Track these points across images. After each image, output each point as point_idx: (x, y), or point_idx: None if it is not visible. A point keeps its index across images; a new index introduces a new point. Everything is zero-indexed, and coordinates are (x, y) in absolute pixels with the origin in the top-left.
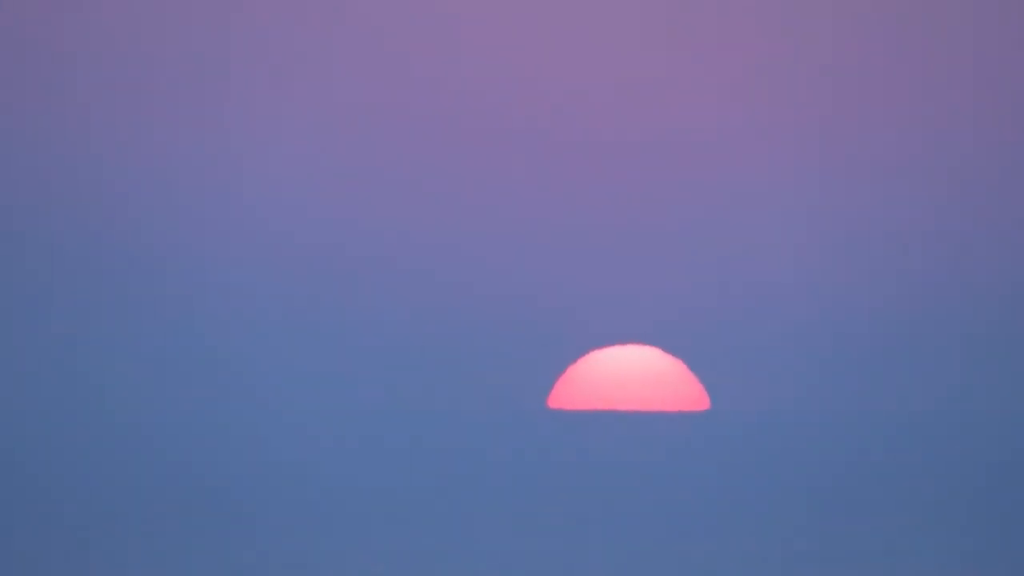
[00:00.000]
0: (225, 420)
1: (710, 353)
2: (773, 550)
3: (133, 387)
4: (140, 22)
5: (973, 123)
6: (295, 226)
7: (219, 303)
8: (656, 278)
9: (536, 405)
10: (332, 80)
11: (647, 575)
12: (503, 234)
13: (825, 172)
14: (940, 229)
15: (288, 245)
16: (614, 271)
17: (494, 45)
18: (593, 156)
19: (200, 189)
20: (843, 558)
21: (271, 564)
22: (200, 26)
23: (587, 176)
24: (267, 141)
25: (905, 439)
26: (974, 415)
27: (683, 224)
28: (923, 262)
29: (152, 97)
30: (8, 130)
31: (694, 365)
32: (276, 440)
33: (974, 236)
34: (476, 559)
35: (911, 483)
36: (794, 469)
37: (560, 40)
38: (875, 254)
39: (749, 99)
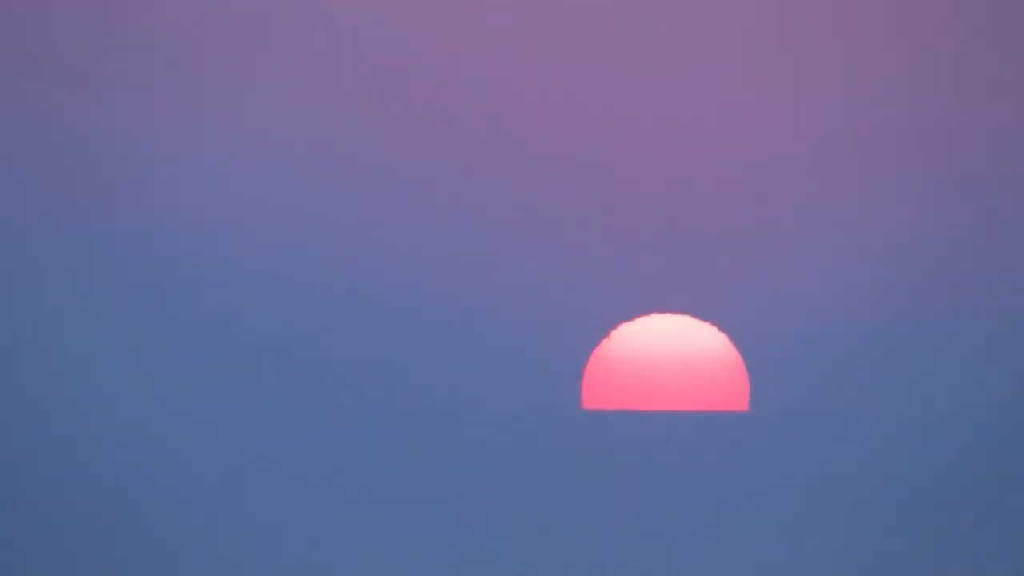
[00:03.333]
0: (262, 423)
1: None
2: (809, 555)
3: (131, 387)
4: (136, 19)
5: None
6: (307, 228)
7: (233, 302)
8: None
9: (570, 405)
10: (331, 76)
11: None
12: (515, 228)
13: (896, 174)
14: (1007, 233)
15: (304, 249)
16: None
17: (508, 33)
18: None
19: (199, 187)
20: (884, 563)
21: (296, 569)
22: (188, 21)
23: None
24: (268, 139)
25: (953, 444)
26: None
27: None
28: (987, 266)
29: (142, 93)
30: None
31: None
32: (299, 445)
33: None
34: (508, 568)
35: (957, 487)
36: (834, 475)
37: (590, 23)
38: (940, 258)
39: (809, 85)
